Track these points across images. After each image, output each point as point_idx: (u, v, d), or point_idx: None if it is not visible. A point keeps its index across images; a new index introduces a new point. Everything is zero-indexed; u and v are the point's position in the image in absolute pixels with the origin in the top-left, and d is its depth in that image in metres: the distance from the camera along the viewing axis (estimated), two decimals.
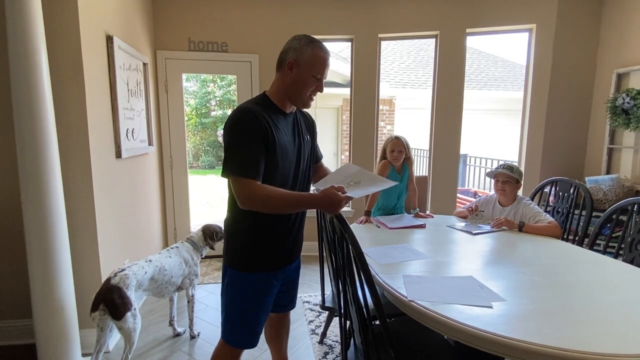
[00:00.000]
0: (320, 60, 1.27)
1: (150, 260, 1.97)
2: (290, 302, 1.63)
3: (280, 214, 1.32)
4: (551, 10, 3.18)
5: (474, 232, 2.00)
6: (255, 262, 1.35)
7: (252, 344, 1.40)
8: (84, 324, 2.00)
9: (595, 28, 3.25)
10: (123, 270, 1.80)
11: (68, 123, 1.97)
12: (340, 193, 1.23)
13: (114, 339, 2.24)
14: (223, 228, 1.41)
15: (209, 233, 2.34)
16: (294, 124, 1.39)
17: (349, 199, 1.24)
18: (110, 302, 1.69)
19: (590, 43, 3.26)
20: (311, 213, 1.86)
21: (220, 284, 1.44)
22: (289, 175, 1.34)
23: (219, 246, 2.40)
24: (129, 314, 1.71)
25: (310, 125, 1.50)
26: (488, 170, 5.71)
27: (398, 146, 2.27)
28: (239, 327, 1.38)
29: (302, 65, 1.26)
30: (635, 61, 2.90)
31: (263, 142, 1.22)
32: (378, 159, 2.39)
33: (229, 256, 1.37)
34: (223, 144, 1.26)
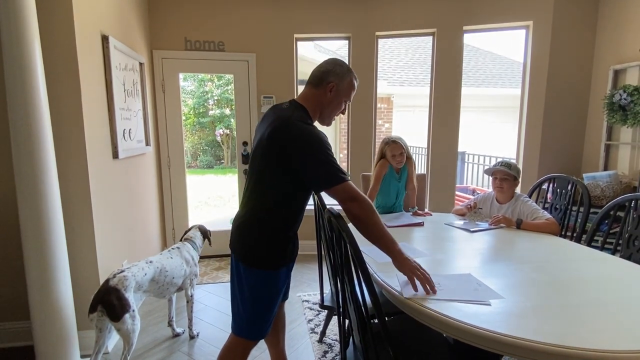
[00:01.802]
0: (352, 88, 1.46)
1: (150, 262, 1.97)
2: (286, 292, 1.67)
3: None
4: (548, 7, 3.18)
5: (471, 229, 2.00)
6: (281, 260, 1.42)
7: (266, 333, 1.48)
8: (83, 325, 2.00)
9: (592, 25, 3.25)
10: (122, 271, 1.79)
11: (64, 124, 1.96)
12: (415, 264, 1.30)
13: (113, 340, 2.23)
14: (239, 228, 1.44)
15: (204, 232, 2.43)
16: None
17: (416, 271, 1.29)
18: (108, 303, 1.68)
19: (587, 40, 3.26)
20: (309, 213, 1.85)
21: (234, 281, 1.47)
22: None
23: (219, 246, 2.44)
24: (127, 315, 1.71)
25: None
26: (486, 167, 5.72)
27: (398, 149, 2.27)
28: (261, 321, 1.44)
29: (341, 90, 1.42)
30: (632, 57, 2.91)
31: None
32: (375, 159, 2.38)
33: (254, 257, 1.40)
34: (307, 160, 1.28)
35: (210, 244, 2.50)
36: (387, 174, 2.33)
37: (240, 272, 1.43)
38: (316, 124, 1.43)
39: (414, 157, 7.18)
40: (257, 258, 1.40)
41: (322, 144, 1.29)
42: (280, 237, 1.40)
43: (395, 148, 2.27)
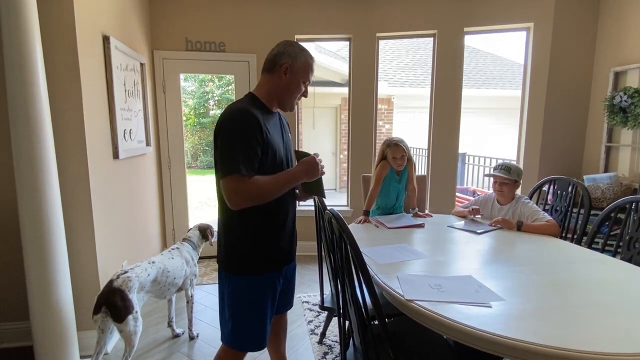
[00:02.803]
0: (311, 68, 1.39)
1: (153, 262, 1.97)
2: (289, 303, 1.62)
3: (273, 198, 1.32)
4: (548, 9, 3.18)
5: (479, 231, 1.99)
6: (260, 265, 1.35)
7: (261, 346, 1.39)
8: (82, 325, 2.00)
9: (592, 27, 3.25)
10: (126, 272, 1.79)
11: (64, 124, 1.96)
12: (314, 156, 1.37)
13: (113, 340, 2.23)
14: (217, 232, 1.41)
15: (205, 230, 2.40)
16: (280, 123, 1.45)
17: (320, 164, 1.39)
18: (112, 304, 1.68)
19: (588, 42, 3.26)
20: (309, 213, 1.85)
21: (218, 288, 1.42)
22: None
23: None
24: (130, 317, 1.71)
25: (287, 124, 1.55)
26: (486, 168, 5.72)
27: (399, 152, 2.25)
28: (247, 332, 1.37)
29: (296, 71, 1.35)
30: (632, 60, 2.91)
31: (259, 142, 1.25)
32: (376, 160, 2.38)
33: (230, 262, 1.35)
34: (215, 144, 1.27)
35: (210, 244, 2.43)
36: (387, 175, 2.32)
37: (221, 278, 1.39)
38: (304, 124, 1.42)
39: (415, 158, 7.15)
40: (234, 263, 1.34)
41: (237, 129, 1.22)
42: (256, 238, 1.33)
43: (396, 151, 2.25)
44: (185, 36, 3.38)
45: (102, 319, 1.70)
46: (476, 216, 2.23)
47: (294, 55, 1.34)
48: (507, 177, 2.09)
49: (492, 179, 2.21)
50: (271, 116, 1.38)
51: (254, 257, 1.34)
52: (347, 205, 3.83)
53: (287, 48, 1.36)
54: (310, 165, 1.36)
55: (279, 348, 1.70)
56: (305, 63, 1.36)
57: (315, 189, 1.49)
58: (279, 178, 1.30)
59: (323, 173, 1.41)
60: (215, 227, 2.47)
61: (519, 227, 2.00)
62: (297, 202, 1.56)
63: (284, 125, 1.49)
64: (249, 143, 1.22)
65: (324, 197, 1.55)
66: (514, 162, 3.40)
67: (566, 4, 3.18)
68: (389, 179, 2.33)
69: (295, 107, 1.43)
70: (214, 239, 2.46)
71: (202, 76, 9.91)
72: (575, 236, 2.13)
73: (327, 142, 8.20)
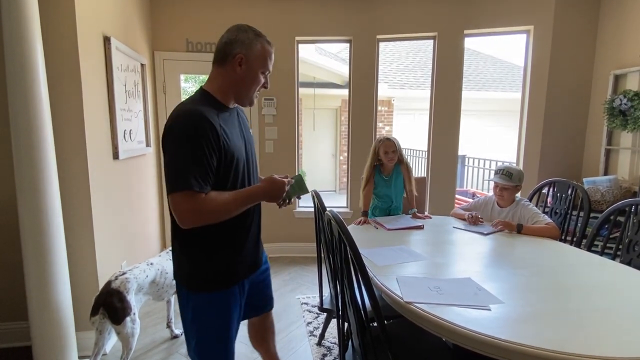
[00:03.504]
0: (269, 55, 1.22)
1: (151, 264, 1.96)
2: (268, 303, 1.53)
3: (230, 217, 1.19)
4: (548, 12, 3.19)
5: (485, 232, 2.00)
6: (221, 280, 1.22)
7: None
8: (81, 326, 1.99)
9: (592, 30, 3.25)
10: (124, 273, 1.78)
11: (65, 124, 1.96)
12: (279, 177, 1.24)
13: (111, 341, 2.22)
14: (173, 247, 1.26)
15: None
16: (238, 119, 1.28)
17: (289, 182, 1.26)
18: (110, 306, 1.67)
19: (588, 44, 3.27)
20: (309, 215, 1.85)
21: (180, 307, 1.29)
22: (245, 180, 1.25)
23: None
24: (128, 318, 1.70)
25: (246, 119, 1.40)
26: (486, 170, 5.72)
27: (391, 147, 2.30)
28: (214, 350, 1.26)
29: (252, 61, 1.17)
30: (632, 63, 2.91)
31: (214, 151, 1.09)
32: (369, 158, 2.40)
33: (188, 279, 1.21)
34: (164, 151, 1.11)
35: None
36: (376, 180, 2.36)
37: (181, 296, 1.26)
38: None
39: (414, 160, 7.04)
40: (191, 279, 1.21)
41: (187, 137, 1.05)
42: (217, 252, 1.20)
43: (388, 145, 2.30)
44: (185, 37, 3.39)
45: (99, 320, 1.70)
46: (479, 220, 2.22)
47: (248, 43, 1.16)
48: (507, 184, 2.09)
49: (492, 183, 2.21)
50: (228, 114, 1.21)
51: (217, 272, 1.21)
52: (347, 207, 3.83)
53: (240, 35, 1.17)
54: (276, 186, 1.22)
55: (269, 348, 1.62)
56: (262, 51, 1.18)
57: (296, 191, 1.34)
58: (238, 196, 1.15)
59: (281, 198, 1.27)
60: None
61: (519, 230, 2.00)
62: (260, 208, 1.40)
63: (243, 121, 1.33)
64: (202, 153, 1.06)
65: (307, 192, 1.41)
66: (515, 165, 3.40)
67: (566, 7, 3.19)
68: (377, 181, 2.37)
69: (256, 100, 1.25)
70: None
71: (202, 77, 9.92)
72: (574, 239, 2.13)
73: (327, 143, 8.21)
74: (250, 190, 1.20)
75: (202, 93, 1.20)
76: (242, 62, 1.17)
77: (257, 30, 1.21)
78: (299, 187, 1.33)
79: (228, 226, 1.20)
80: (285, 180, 1.25)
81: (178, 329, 2.34)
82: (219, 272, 1.22)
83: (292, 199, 1.37)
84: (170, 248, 2.01)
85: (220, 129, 1.12)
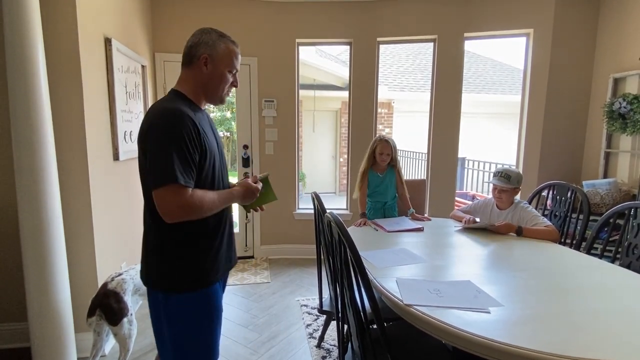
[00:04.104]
0: (234, 54, 1.26)
1: None
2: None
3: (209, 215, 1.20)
4: (548, 15, 3.20)
5: (482, 223, 2.04)
6: (206, 276, 1.21)
7: None
8: (80, 327, 1.99)
9: (592, 33, 3.26)
10: (120, 274, 1.78)
11: (65, 125, 1.96)
12: (252, 182, 1.30)
13: (110, 342, 2.22)
14: (144, 248, 1.25)
15: None
16: (208, 120, 1.33)
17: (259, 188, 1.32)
18: (107, 307, 1.67)
19: (587, 48, 3.28)
20: (309, 217, 1.85)
21: (151, 313, 1.24)
22: (220, 176, 1.28)
23: None
24: (125, 319, 1.70)
25: (213, 122, 1.42)
26: (486, 173, 5.73)
27: (386, 150, 2.40)
28: (202, 352, 1.22)
29: (217, 60, 1.22)
30: (631, 66, 2.92)
31: (196, 147, 1.13)
32: (365, 157, 2.48)
33: (170, 280, 1.18)
34: (146, 149, 1.12)
35: None
36: (369, 177, 2.45)
37: (155, 300, 1.20)
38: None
39: (414, 162, 7.03)
40: (172, 280, 1.17)
41: (171, 134, 1.07)
42: (196, 247, 1.19)
43: (384, 147, 2.40)
44: (186, 39, 3.38)
45: (97, 321, 1.69)
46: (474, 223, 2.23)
47: (211, 44, 1.22)
48: (505, 186, 2.10)
49: (492, 184, 2.22)
50: (201, 114, 1.25)
51: (202, 268, 1.20)
52: (347, 209, 3.83)
53: (203, 37, 1.22)
54: (250, 191, 1.28)
55: None
56: (226, 50, 1.23)
57: (263, 197, 1.38)
58: (221, 196, 1.20)
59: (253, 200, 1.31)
60: None
61: (519, 233, 2.00)
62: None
63: (212, 123, 1.36)
64: (186, 149, 1.09)
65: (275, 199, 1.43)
66: (514, 168, 3.41)
67: (566, 10, 3.20)
68: (370, 179, 2.45)
69: (226, 99, 1.30)
70: None
71: None
72: (574, 241, 2.13)
73: (327, 145, 8.21)
74: (230, 192, 1.25)
75: (175, 93, 1.24)
76: (208, 62, 1.22)
77: (221, 32, 1.27)
78: (266, 192, 1.38)
79: (209, 221, 1.22)
80: (258, 187, 1.32)
81: None
82: (203, 268, 1.21)
83: (260, 205, 1.41)
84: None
85: (199, 125, 1.16)
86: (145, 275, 1.23)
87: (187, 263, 1.18)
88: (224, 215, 1.29)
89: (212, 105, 1.36)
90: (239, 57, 1.29)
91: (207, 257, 1.22)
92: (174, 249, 1.18)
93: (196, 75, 1.24)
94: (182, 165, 1.08)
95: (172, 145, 1.08)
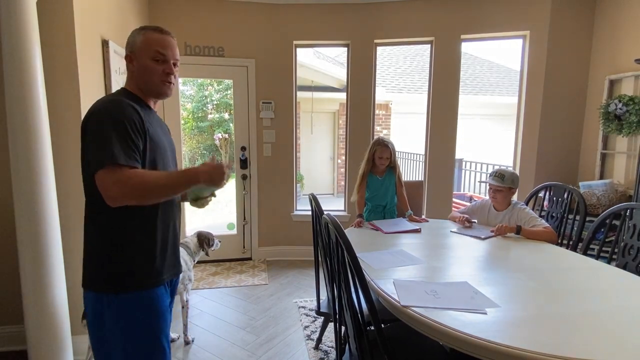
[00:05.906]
0: (152, 41, 1.20)
1: None
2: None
3: (161, 199, 1.16)
4: (544, 17, 3.22)
5: (482, 237, 1.99)
6: (150, 276, 1.16)
7: None
8: (77, 330, 1.98)
9: (587, 35, 3.29)
10: None
11: (62, 128, 1.96)
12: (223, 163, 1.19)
13: None
14: (85, 245, 1.17)
15: (203, 239, 2.36)
16: (161, 123, 1.32)
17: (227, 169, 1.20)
18: None
19: (583, 50, 3.30)
20: (307, 218, 1.85)
21: (90, 318, 1.15)
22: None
23: (216, 251, 2.46)
24: None
25: (168, 129, 1.42)
26: (483, 174, 5.75)
27: (385, 154, 2.39)
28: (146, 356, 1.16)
29: (138, 54, 1.20)
30: (627, 68, 2.94)
31: (139, 133, 1.10)
32: (365, 159, 2.47)
33: (112, 279, 1.12)
34: (86, 138, 1.10)
35: (207, 254, 2.41)
36: (369, 180, 2.45)
37: (97, 301, 1.13)
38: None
39: (412, 163, 7.04)
40: (115, 279, 1.11)
41: (112, 119, 1.06)
42: (142, 243, 1.15)
43: (384, 151, 2.39)
44: (184, 40, 3.39)
45: None
46: (472, 222, 2.23)
47: (132, 41, 1.22)
48: (499, 185, 2.11)
49: (488, 185, 2.23)
50: (152, 113, 1.25)
51: (144, 269, 1.16)
52: (344, 210, 3.84)
53: (128, 39, 1.23)
54: (218, 170, 1.15)
55: None
56: (144, 40, 1.20)
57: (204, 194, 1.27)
58: (172, 174, 1.14)
59: (223, 185, 1.21)
60: (214, 235, 2.46)
61: (518, 231, 2.00)
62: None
63: (166, 127, 1.37)
64: (126, 132, 1.07)
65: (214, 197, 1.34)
66: (510, 169, 3.42)
67: (562, 12, 3.22)
68: (369, 182, 2.45)
69: (171, 92, 1.27)
70: (213, 248, 2.42)
71: (200, 80, 9.93)
72: (570, 242, 2.14)
73: (325, 147, 8.22)
74: (188, 169, 1.14)
75: (123, 90, 1.24)
76: (132, 59, 1.22)
77: (146, 25, 1.26)
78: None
79: (152, 219, 1.17)
80: (223, 164, 1.19)
81: (174, 333, 2.33)
82: (147, 268, 1.16)
83: (204, 199, 1.30)
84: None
85: (144, 117, 1.14)
86: (86, 275, 1.16)
87: (133, 261, 1.14)
88: (172, 215, 1.25)
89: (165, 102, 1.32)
90: (167, 42, 1.22)
91: (152, 256, 1.17)
92: (117, 244, 1.13)
93: (132, 76, 1.24)
94: (122, 147, 1.05)
95: (112, 127, 1.06)
